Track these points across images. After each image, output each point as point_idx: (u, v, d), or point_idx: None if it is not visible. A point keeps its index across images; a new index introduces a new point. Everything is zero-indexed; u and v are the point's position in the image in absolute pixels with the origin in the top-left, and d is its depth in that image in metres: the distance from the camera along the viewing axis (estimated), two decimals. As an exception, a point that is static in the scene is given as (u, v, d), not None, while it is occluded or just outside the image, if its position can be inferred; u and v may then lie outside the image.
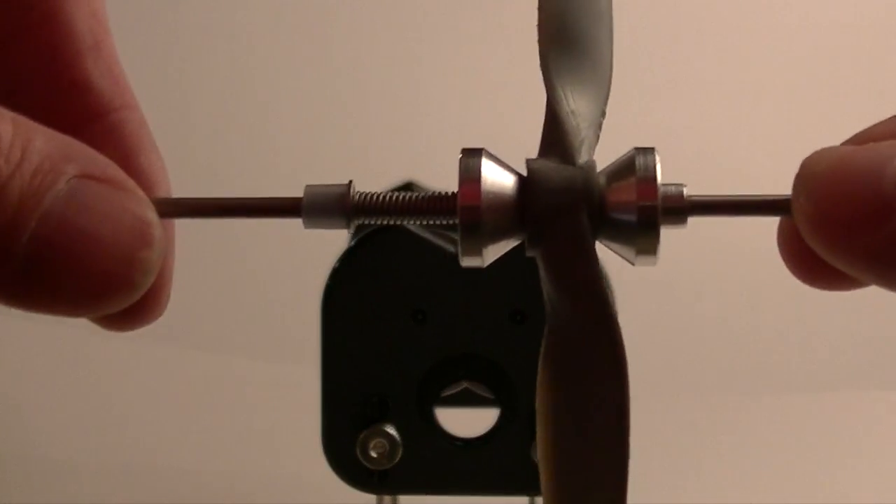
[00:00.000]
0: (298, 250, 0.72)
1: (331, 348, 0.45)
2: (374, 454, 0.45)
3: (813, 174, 0.23)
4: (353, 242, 0.44)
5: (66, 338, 0.78)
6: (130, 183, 0.24)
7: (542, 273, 0.26)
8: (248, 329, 0.83)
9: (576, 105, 0.26)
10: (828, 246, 0.23)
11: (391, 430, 0.45)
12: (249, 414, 0.79)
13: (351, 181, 0.26)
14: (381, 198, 0.26)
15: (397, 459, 0.45)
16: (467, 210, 0.25)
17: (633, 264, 0.26)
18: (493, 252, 0.26)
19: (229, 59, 0.88)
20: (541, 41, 0.27)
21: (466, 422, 0.46)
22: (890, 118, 0.26)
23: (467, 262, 0.26)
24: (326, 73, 0.88)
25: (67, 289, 0.23)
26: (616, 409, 0.25)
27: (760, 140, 0.86)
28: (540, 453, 0.26)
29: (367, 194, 0.26)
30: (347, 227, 0.26)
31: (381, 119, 0.85)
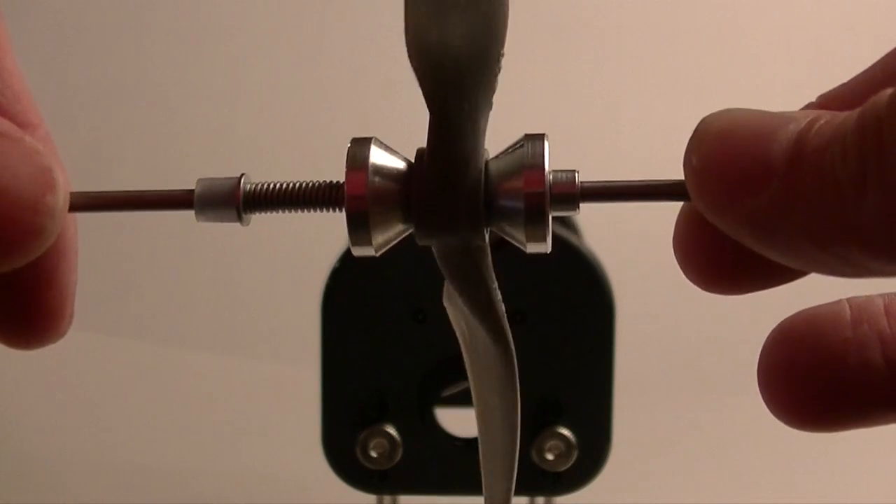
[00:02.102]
0: (298, 250, 0.72)
1: (331, 348, 0.45)
2: (374, 454, 0.45)
3: (706, 132, 0.23)
4: (353, 242, 0.44)
5: (66, 337, 0.78)
6: (27, 137, 0.24)
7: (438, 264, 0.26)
8: (248, 329, 0.83)
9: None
10: (711, 205, 0.22)
11: (391, 430, 0.45)
12: (249, 414, 0.79)
13: (243, 174, 0.26)
14: (271, 188, 0.26)
15: (397, 459, 0.45)
16: (353, 200, 0.25)
17: (525, 251, 0.25)
18: (384, 241, 0.25)
19: (219, 56, 0.88)
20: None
21: (466, 422, 0.46)
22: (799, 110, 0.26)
23: (358, 251, 0.25)
24: (323, 68, 0.88)
25: None
26: (506, 403, 0.27)
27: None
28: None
29: (256, 185, 0.26)
30: (239, 220, 0.26)
31: (382, 118, 0.85)
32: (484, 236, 0.25)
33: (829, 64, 0.87)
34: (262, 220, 0.27)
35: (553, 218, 0.25)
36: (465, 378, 0.43)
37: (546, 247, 0.25)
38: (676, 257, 0.26)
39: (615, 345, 0.44)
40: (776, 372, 0.26)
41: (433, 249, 0.26)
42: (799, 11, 0.89)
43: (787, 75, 0.87)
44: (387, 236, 0.25)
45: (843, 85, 0.26)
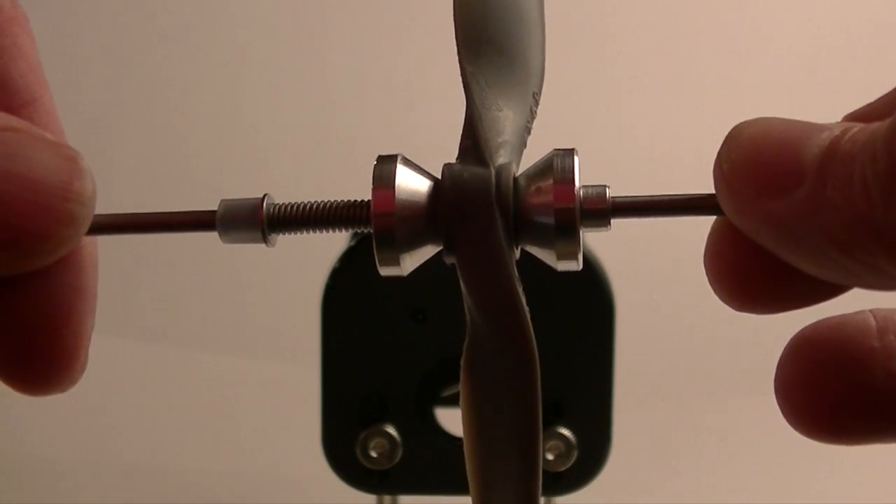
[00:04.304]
0: (298, 250, 0.72)
1: (331, 348, 0.45)
2: (374, 454, 0.45)
3: (738, 138, 0.23)
4: (353, 242, 0.44)
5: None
6: (48, 134, 0.24)
7: (461, 282, 0.25)
8: (248, 329, 0.83)
9: (499, 110, 0.25)
10: (738, 207, 0.22)
11: (391, 430, 0.45)
12: (249, 414, 0.79)
13: (266, 195, 0.25)
14: (295, 209, 0.25)
15: (397, 459, 0.45)
16: (380, 217, 0.24)
17: (556, 269, 0.25)
18: (412, 260, 0.25)
19: (222, 62, 0.88)
20: (459, 42, 0.26)
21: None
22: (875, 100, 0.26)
23: (385, 271, 0.25)
24: (321, 71, 0.88)
25: (8, 229, 0.23)
26: (528, 422, 0.25)
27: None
28: (466, 455, 0.26)
29: (280, 206, 0.25)
30: (265, 241, 0.25)
31: (381, 116, 0.85)
32: (514, 255, 0.24)
33: (829, 63, 0.87)
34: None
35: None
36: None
37: (577, 264, 0.25)
38: (707, 275, 0.25)
39: (615, 345, 0.44)
40: (796, 381, 0.26)
41: (458, 267, 0.25)
42: (799, 11, 0.89)
43: (788, 74, 0.87)
44: (415, 255, 0.25)
45: (870, 105, 0.25)
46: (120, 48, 0.87)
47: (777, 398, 0.26)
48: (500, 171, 0.24)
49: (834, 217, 0.21)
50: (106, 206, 0.25)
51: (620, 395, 0.45)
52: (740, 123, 0.23)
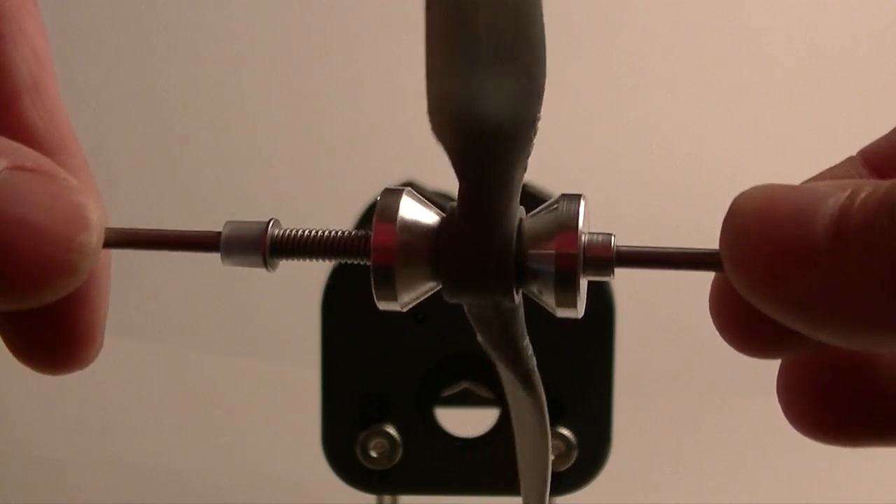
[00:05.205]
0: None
1: (331, 348, 0.45)
2: (374, 454, 0.45)
3: (741, 213, 0.21)
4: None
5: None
6: (62, 172, 0.24)
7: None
8: (248, 329, 0.83)
9: None
10: (753, 288, 0.21)
11: (391, 430, 0.45)
12: (249, 414, 0.79)
13: (272, 219, 0.25)
14: (298, 236, 0.25)
15: (397, 459, 0.45)
16: (380, 253, 0.24)
17: (556, 315, 0.24)
18: (411, 297, 0.25)
19: (226, 65, 0.88)
20: (456, 57, 0.23)
21: (466, 422, 0.46)
22: (841, 162, 0.25)
23: (383, 306, 0.25)
24: (326, 71, 0.88)
25: (8, 276, 0.23)
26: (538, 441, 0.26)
27: (758, 144, 0.86)
28: None
29: (284, 231, 0.25)
30: (265, 265, 0.25)
31: (382, 116, 0.85)
32: (514, 298, 0.24)
33: (829, 62, 0.87)
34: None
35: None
36: (465, 378, 0.43)
37: (577, 313, 0.24)
38: (714, 323, 0.24)
39: (615, 345, 0.44)
40: (799, 381, 0.25)
41: (464, 306, 0.25)
42: (799, 11, 0.89)
43: (787, 73, 0.87)
44: (413, 293, 0.25)
45: (884, 137, 0.25)
46: (120, 48, 0.87)
47: (779, 398, 0.26)
48: (507, 228, 0.24)
49: (858, 294, 0.20)
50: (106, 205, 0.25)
51: (620, 395, 0.45)
52: (738, 198, 0.22)
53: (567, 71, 0.81)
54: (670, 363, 0.81)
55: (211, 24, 0.88)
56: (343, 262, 0.25)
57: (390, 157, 0.80)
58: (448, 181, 0.25)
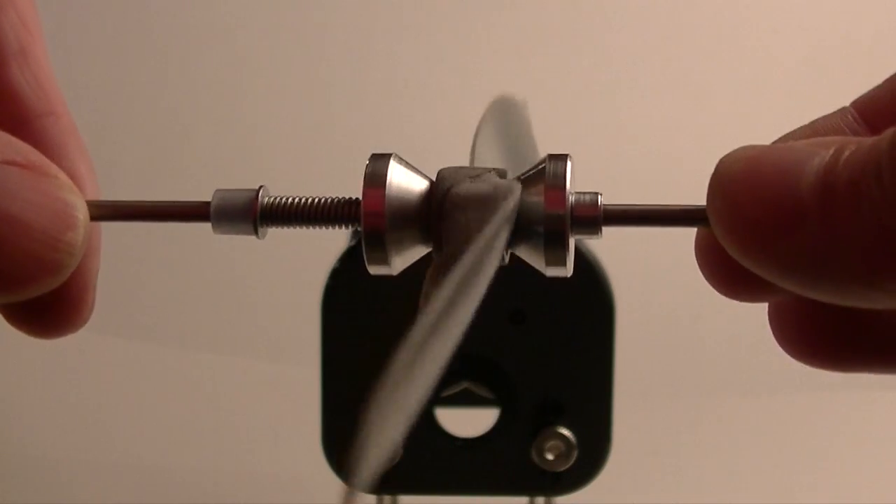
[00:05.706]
0: (298, 250, 0.72)
1: (331, 348, 0.45)
2: (374, 454, 0.45)
3: (728, 174, 0.22)
4: (353, 242, 0.44)
5: (66, 337, 0.78)
6: (53, 168, 0.24)
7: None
8: (248, 329, 0.83)
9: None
10: (743, 251, 0.21)
11: (391, 430, 0.45)
12: (249, 414, 0.79)
13: (261, 186, 0.25)
14: (288, 203, 0.25)
15: (397, 459, 0.45)
16: (370, 217, 0.24)
17: (546, 275, 0.24)
18: (402, 260, 0.25)
19: (226, 58, 0.88)
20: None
21: (466, 422, 0.46)
22: (833, 112, 0.25)
23: (374, 270, 0.25)
24: (327, 68, 0.88)
25: None
26: None
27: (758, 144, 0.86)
28: None
29: (274, 199, 0.25)
30: (255, 233, 0.25)
31: (383, 117, 0.85)
32: (503, 258, 0.24)
33: (829, 61, 0.87)
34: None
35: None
36: (465, 378, 0.43)
37: (566, 271, 0.24)
38: (701, 271, 0.25)
39: (615, 345, 0.44)
40: (790, 309, 0.25)
41: (434, 259, 0.25)
42: (799, 10, 0.89)
43: (788, 74, 0.87)
44: (405, 256, 0.25)
45: (878, 87, 0.25)
46: (119, 46, 0.87)
47: (771, 326, 0.26)
48: (504, 183, 0.24)
49: (848, 250, 0.20)
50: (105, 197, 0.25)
51: (620, 395, 0.45)
52: (724, 159, 0.22)
53: (567, 70, 0.81)
54: (670, 363, 0.81)
55: (210, 22, 0.88)
56: (332, 227, 0.25)
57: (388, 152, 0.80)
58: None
